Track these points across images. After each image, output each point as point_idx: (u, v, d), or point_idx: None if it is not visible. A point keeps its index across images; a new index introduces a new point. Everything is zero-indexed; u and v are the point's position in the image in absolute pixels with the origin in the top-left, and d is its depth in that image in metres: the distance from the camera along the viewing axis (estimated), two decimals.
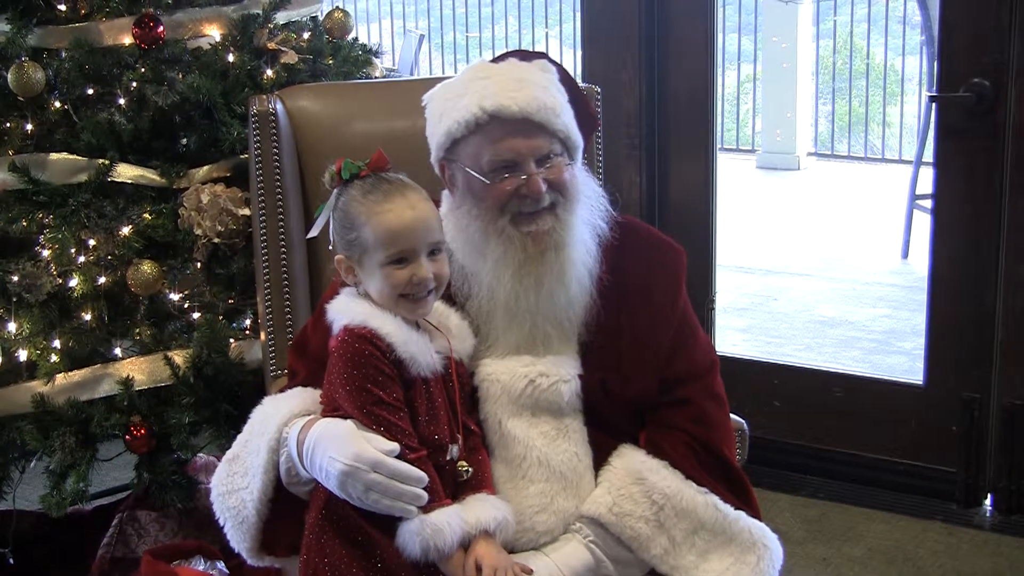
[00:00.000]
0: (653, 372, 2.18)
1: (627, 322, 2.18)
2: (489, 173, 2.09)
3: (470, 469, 2.05)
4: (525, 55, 2.18)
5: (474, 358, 2.15)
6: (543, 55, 2.20)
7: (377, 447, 1.91)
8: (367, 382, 1.96)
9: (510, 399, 2.11)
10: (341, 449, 1.91)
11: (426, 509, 1.92)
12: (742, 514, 2.15)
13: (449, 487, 2.02)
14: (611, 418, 2.16)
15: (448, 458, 2.02)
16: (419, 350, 2.00)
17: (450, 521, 1.93)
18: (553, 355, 2.14)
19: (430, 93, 2.19)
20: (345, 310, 2.04)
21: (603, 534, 2.10)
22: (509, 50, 2.23)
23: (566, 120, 2.11)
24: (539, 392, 2.11)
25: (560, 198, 2.11)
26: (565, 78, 2.18)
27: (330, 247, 2.08)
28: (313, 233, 2.09)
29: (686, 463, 2.14)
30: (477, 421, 2.12)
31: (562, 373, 2.12)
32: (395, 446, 1.92)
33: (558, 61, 2.22)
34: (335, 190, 2.05)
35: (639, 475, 2.12)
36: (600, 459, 2.16)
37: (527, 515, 2.09)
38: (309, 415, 2.07)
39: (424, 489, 1.92)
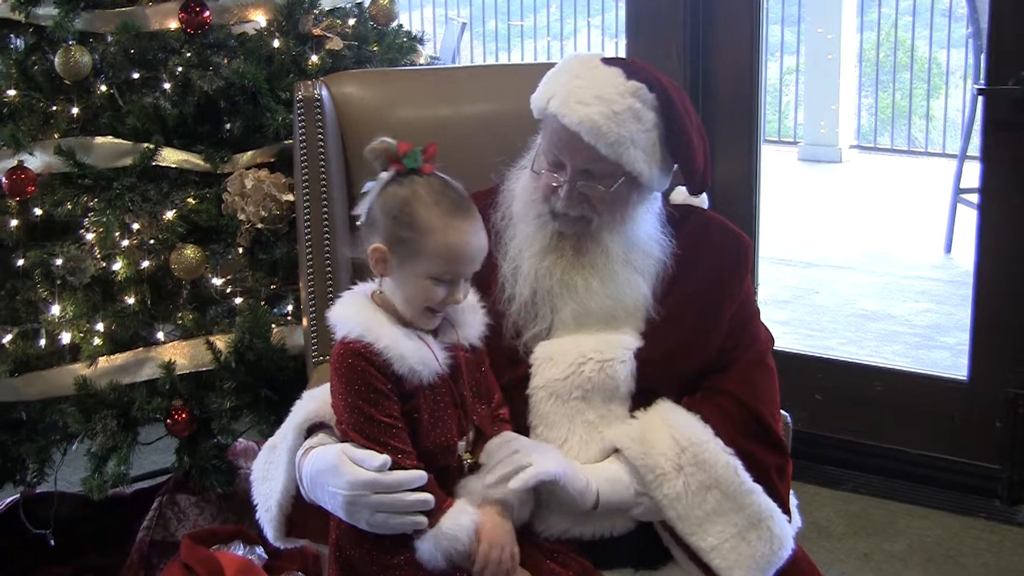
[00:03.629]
0: (714, 347, 2.18)
1: (692, 306, 2.17)
2: (543, 162, 2.14)
3: (472, 461, 2.03)
4: (633, 70, 2.11)
5: (533, 337, 2.14)
6: (650, 79, 2.11)
7: (368, 466, 1.89)
8: (359, 399, 1.93)
9: (559, 379, 2.11)
10: (336, 480, 1.91)
11: (434, 518, 1.91)
12: (759, 489, 2.09)
13: (456, 482, 2.01)
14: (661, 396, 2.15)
15: (457, 456, 2.01)
16: (418, 359, 1.95)
17: (460, 522, 1.92)
18: (611, 335, 2.13)
19: (574, 54, 2.21)
20: (345, 318, 1.99)
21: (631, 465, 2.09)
22: (623, 58, 2.17)
23: (624, 152, 2.06)
24: (590, 373, 2.10)
25: (594, 216, 2.12)
26: (667, 108, 2.11)
27: (359, 223, 2.02)
28: (361, 211, 2.01)
29: (718, 421, 2.11)
30: (500, 402, 2.11)
31: (617, 354, 2.11)
32: (385, 458, 1.89)
33: (671, 87, 2.13)
34: (388, 173, 1.98)
35: (668, 419, 2.10)
36: None
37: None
38: (319, 423, 2.07)
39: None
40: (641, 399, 2.13)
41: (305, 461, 2.00)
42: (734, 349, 2.20)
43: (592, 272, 2.14)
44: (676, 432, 2.09)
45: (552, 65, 2.22)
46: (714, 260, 2.24)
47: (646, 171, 2.09)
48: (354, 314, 1.99)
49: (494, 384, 2.12)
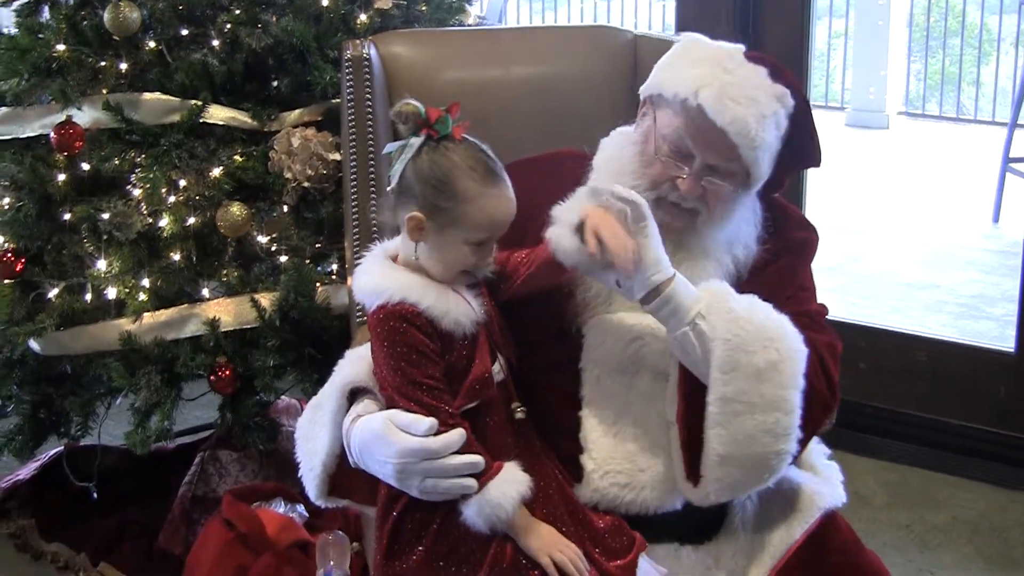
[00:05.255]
0: None
1: (761, 295, 2.10)
2: (664, 148, 2.08)
3: (524, 409, 2.04)
4: (777, 72, 2.08)
5: (588, 310, 2.13)
6: (792, 84, 2.09)
7: (415, 431, 1.89)
8: (401, 361, 1.93)
9: (613, 353, 2.09)
10: (386, 449, 1.91)
11: (482, 481, 1.91)
12: (801, 391, 2.01)
13: (510, 435, 2.02)
14: None
15: (497, 383, 2.01)
16: (461, 312, 1.97)
17: (505, 491, 1.92)
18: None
19: (694, 36, 2.17)
20: (379, 286, 1.98)
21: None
22: (764, 56, 2.12)
23: (760, 156, 2.04)
24: (645, 350, 2.09)
25: (705, 211, 2.09)
26: (802, 117, 2.10)
27: (389, 189, 2.00)
28: (393, 176, 1.98)
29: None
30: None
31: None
32: (432, 421, 1.89)
33: (805, 94, 2.12)
34: (419, 139, 1.96)
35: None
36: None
37: (630, 474, 2.08)
38: (362, 387, 2.06)
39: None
40: (694, 380, 2.06)
41: (353, 430, 2.00)
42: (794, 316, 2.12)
43: (689, 268, 2.09)
44: (763, 307, 2.05)
45: (602, 29, 2.18)
46: (790, 255, 2.22)
47: (765, 176, 2.08)
48: (387, 280, 1.98)
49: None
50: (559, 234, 1.97)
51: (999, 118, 8.10)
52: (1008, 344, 3.98)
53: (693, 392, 2.04)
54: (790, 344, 2.02)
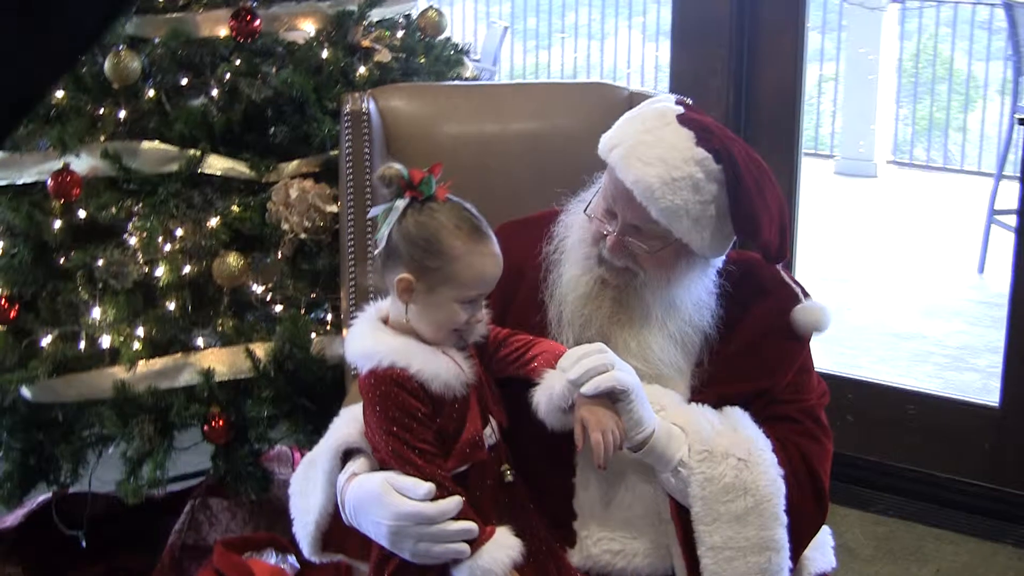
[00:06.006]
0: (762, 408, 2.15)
1: (740, 368, 2.14)
2: (601, 205, 2.11)
3: (513, 472, 2.05)
4: (706, 136, 2.04)
5: None
6: (720, 149, 2.04)
7: (413, 495, 1.90)
8: (394, 426, 1.94)
9: None
10: (381, 511, 1.92)
11: (474, 547, 1.92)
12: (786, 523, 2.04)
13: (500, 498, 2.03)
14: None
15: (488, 446, 2.01)
16: (451, 375, 1.98)
17: (496, 557, 1.92)
18: (653, 387, 2.09)
19: (661, 95, 2.23)
20: (370, 350, 1.99)
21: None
22: (701, 120, 2.09)
23: (676, 220, 2.02)
24: None
25: (640, 271, 2.09)
26: (733, 183, 2.03)
27: (377, 252, 2.02)
28: (380, 239, 1.99)
29: (778, 448, 2.09)
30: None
31: (664, 402, 2.08)
32: (430, 486, 1.91)
33: (744, 159, 2.06)
34: (404, 201, 1.97)
35: (740, 420, 2.09)
36: None
37: (623, 541, 2.09)
38: (356, 448, 2.06)
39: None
40: None
41: (348, 488, 2.01)
42: (791, 404, 2.17)
43: (630, 330, 2.11)
44: (742, 429, 2.07)
45: (598, 86, 2.20)
46: (766, 322, 2.19)
47: (697, 241, 2.05)
48: (377, 343, 2.00)
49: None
50: (547, 413, 1.99)
51: (984, 168, 8.17)
52: (993, 398, 4.01)
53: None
54: (764, 485, 2.04)
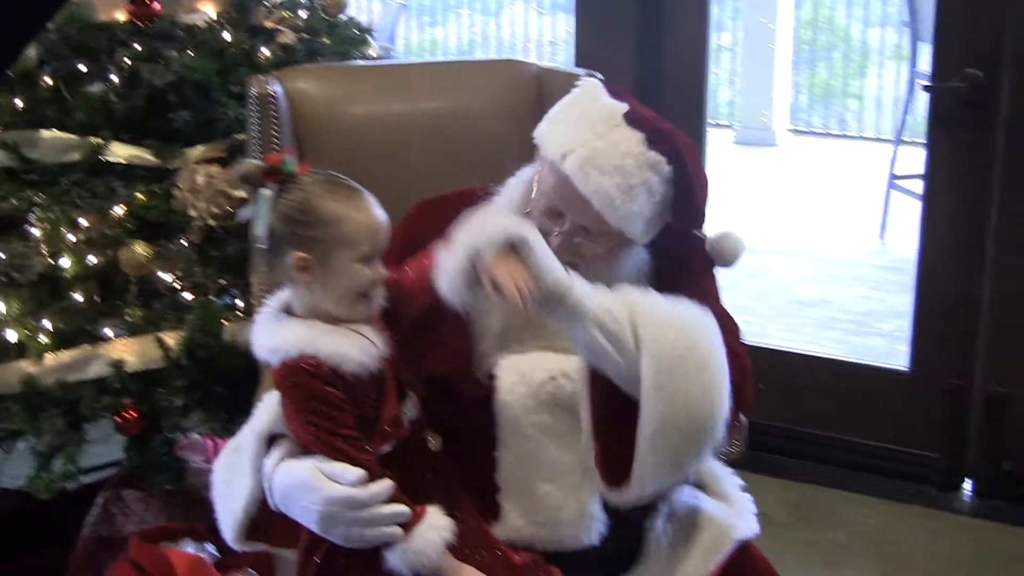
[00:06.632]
0: None
1: None
2: (541, 203, 2.11)
3: (437, 436, 2.05)
4: (657, 137, 2.05)
5: (500, 349, 2.13)
6: (671, 150, 2.05)
7: (344, 480, 1.89)
8: (312, 416, 1.93)
9: (527, 394, 2.09)
10: (311, 496, 1.90)
11: (407, 529, 1.91)
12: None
13: (426, 474, 2.02)
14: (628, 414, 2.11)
15: (408, 421, 2.01)
16: (362, 352, 1.95)
17: (428, 538, 1.92)
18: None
19: (591, 84, 2.15)
20: (276, 343, 1.96)
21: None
22: (647, 118, 2.08)
23: (630, 222, 2.04)
24: (560, 392, 2.09)
25: (584, 265, 2.08)
26: (681, 182, 2.06)
27: (260, 244, 2.00)
28: (260, 235, 1.98)
29: None
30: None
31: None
32: (361, 472, 1.90)
33: (687, 153, 2.08)
34: (268, 189, 1.96)
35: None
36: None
37: (547, 512, 2.08)
38: (279, 434, 2.04)
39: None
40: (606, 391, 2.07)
41: (276, 474, 1.99)
42: None
43: None
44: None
45: (507, 63, 2.16)
46: (679, 266, 2.22)
47: (644, 235, 2.09)
48: (282, 335, 1.97)
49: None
50: (452, 292, 1.97)
51: (881, 134, 8.30)
52: (899, 362, 4.08)
53: (607, 400, 2.05)
54: (707, 323, 2.05)
